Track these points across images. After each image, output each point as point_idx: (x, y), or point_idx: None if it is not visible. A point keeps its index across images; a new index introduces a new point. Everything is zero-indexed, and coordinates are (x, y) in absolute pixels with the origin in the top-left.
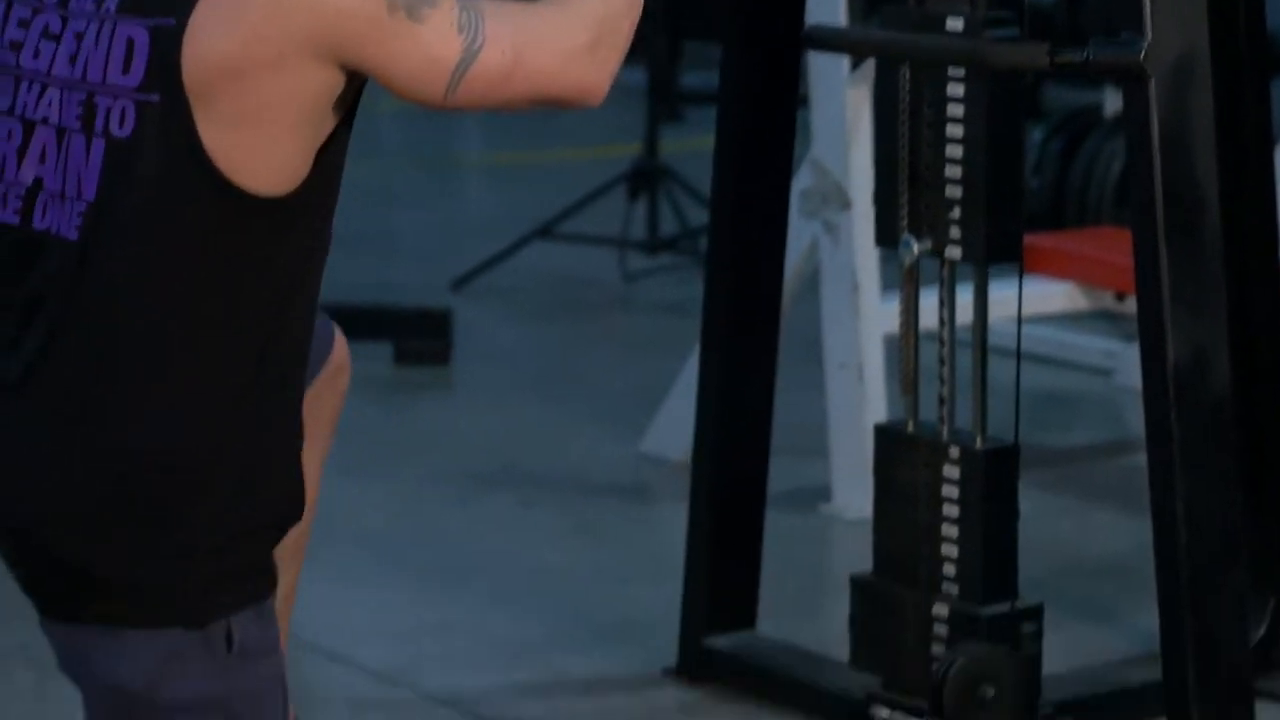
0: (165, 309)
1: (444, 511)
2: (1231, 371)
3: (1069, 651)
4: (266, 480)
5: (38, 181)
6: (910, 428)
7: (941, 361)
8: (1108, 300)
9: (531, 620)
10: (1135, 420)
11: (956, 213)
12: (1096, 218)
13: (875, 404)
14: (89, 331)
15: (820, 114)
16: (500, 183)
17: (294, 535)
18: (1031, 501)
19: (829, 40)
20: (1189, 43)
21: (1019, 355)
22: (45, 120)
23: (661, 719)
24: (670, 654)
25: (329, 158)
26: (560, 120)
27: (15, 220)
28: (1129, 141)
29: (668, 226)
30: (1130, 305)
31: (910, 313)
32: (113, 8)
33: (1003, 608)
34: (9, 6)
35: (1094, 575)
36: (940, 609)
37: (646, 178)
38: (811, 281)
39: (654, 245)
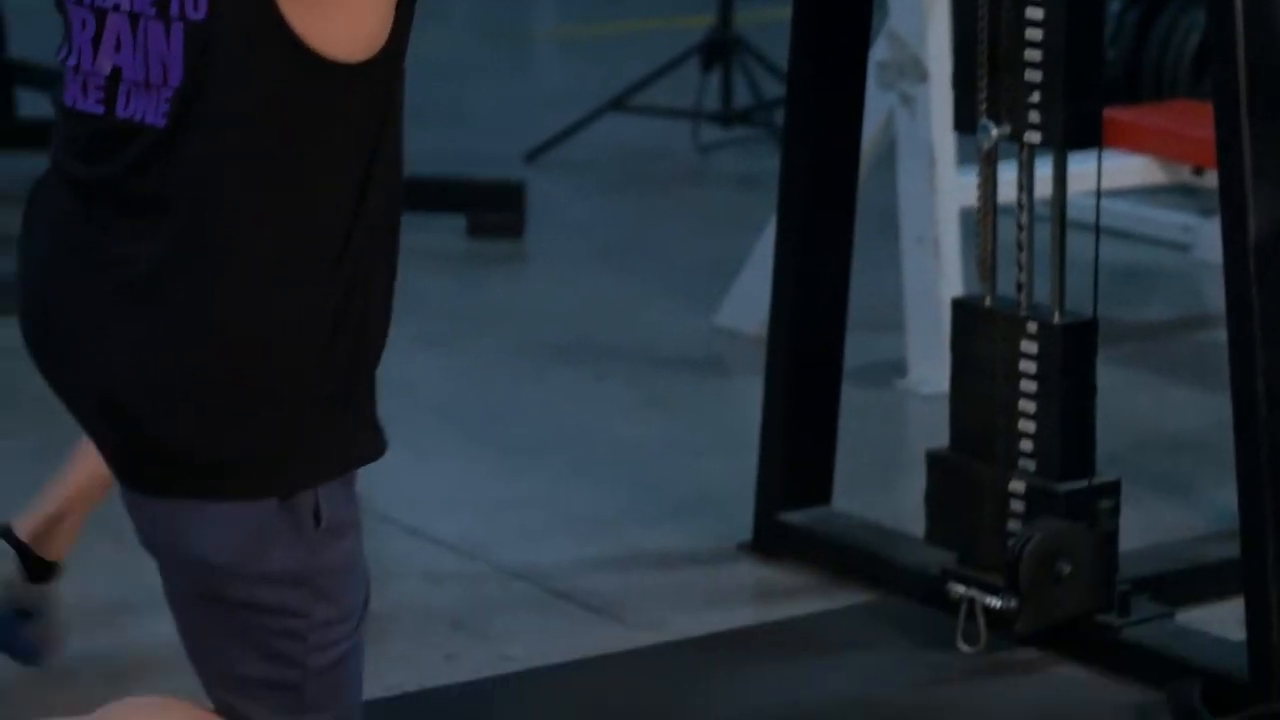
0: (253, 184)
1: (518, 385)
2: None
3: (1146, 528)
4: (352, 351)
5: (116, 70)
6: (988, 302)
7: (1020, 239)
8: (1185, 174)
9: (606, 494)
10: (1212, 295)
11: (1035, 97)
12: (1173, 90)
13: (951, 278)
14: (178, 211)
15: None
16: (573, 55)
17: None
18: (1108, 377)
19: None
20: None
21: (1098, 230)
22: (117, 8)
23: (736, 594)
24: (745, 529)
25: (403, 19)
26: None
27: (100, 110)
28: (1212, 12)
29: (741, 98)
30: (1208, 179)
31: (988, 198)
32: None
33: (1080, 484)
34: None
35: (1171, 451)
36: (1017, 485)
37: (720, 49)
38: (887, 154)
39: (728, 117)
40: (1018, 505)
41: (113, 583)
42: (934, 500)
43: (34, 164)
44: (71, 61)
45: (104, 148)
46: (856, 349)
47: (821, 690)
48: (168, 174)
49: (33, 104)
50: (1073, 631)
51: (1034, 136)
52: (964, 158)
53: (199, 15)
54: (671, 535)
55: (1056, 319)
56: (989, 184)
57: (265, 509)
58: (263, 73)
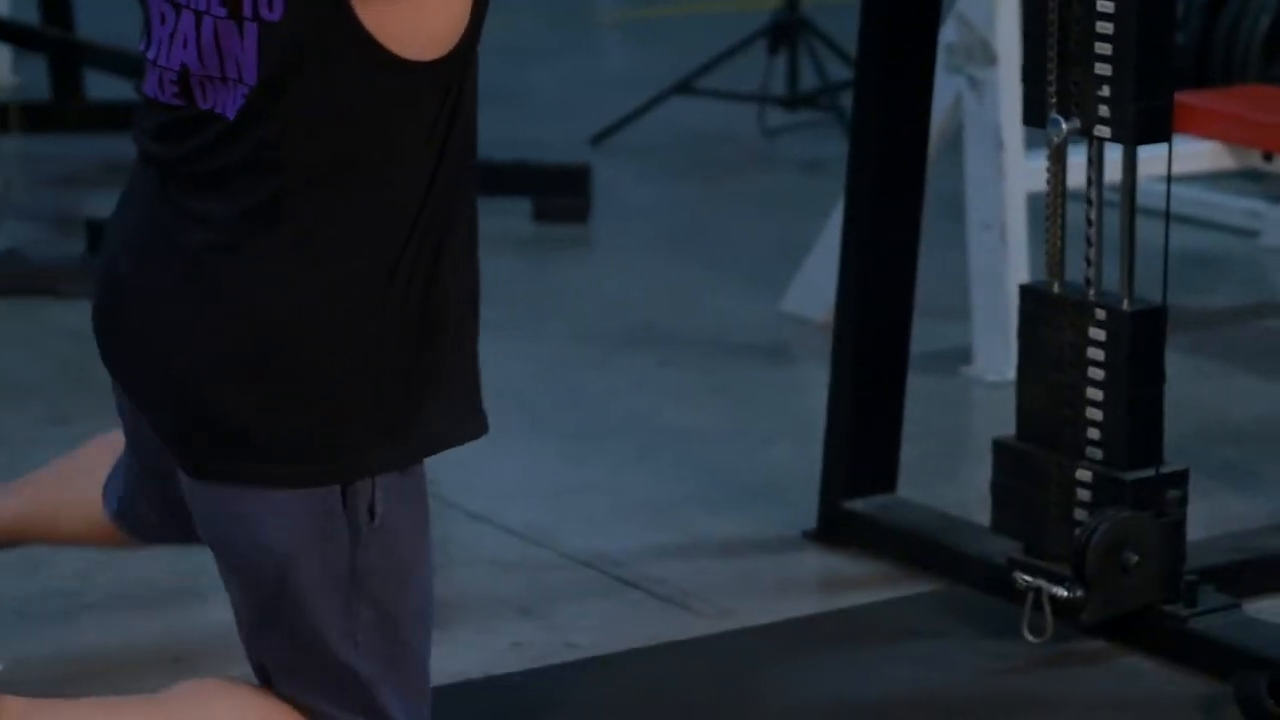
0: (318, 176)
1: (583, 370)
2: None
3: (1213, 517)
4: (421, 342)
5: (184, 66)
6: (1056, 289)
7: (1089, 235)
8: (1255, 159)
9: (671, 481)
10: None
11: (1105, 91)
12: (1243, 74)
13: (1017, 265)
14: (243, 197)
15: None
16: (638, 38)
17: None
18: (1175, 364)
19: None
20: None
21: (1168, 216)
22: (188, 5)
23: (801, 582)
24: (810, 516)
25: (477, 17)
26: None
27: (180, 103)
28: None
29: (808, 81)
30: (1277, 165)
31: (1058, 192)
32: None
33: (1147, 472)
34: None
35: (1238, 440)
36: (1083, 473)
37: (787, 31)
38: (954, 139)
39: (794, 100)
40: (1084, 494)
41: (177, 567)
42: (1000, 489)
43: (104, 146)
44: (151, 54)
45: (179, 133)
46: (921, 335)
47: (885, 679)
48: (233, 161)
49: (102, 86)
50: (1139, 622)
51: (1104, 131)
52: (1032, 142)
53: (274, 16)
54: (737, 522)
55: (1125, 306)
56: (1058, 179)
57: (322, 499)
58: (336, 73)
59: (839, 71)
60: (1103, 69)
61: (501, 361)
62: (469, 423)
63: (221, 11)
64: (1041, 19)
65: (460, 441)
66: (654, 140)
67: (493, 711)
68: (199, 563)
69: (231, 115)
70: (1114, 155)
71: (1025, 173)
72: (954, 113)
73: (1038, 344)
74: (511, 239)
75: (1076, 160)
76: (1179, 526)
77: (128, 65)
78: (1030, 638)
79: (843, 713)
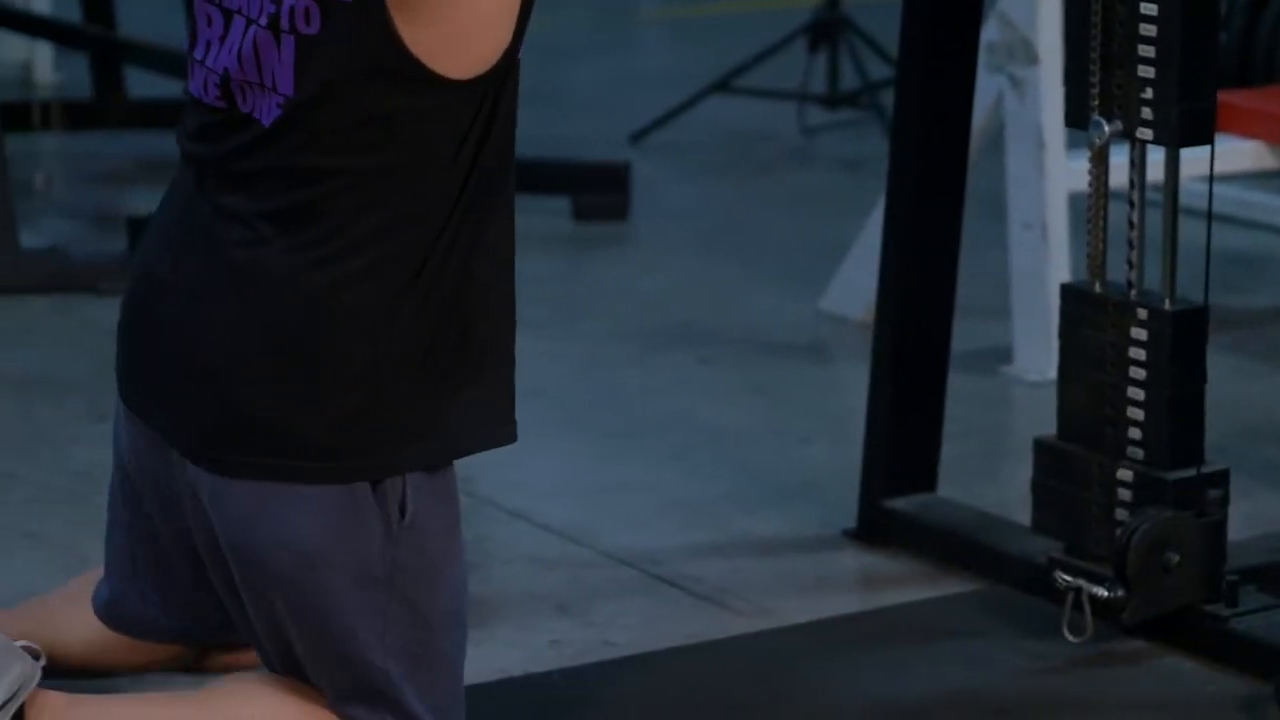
0: (350, 179)
1: (621, 369)
2: None
3: (1254, 517)
4: (445, 341)
5: (227, 70)
6: (1097, 288)
7: (1130, 236)
8: None
9: (709, 480)
10: None
11: (1148, 93)
12: None
13: (1058, 264)
14: (277, 197)
15: None
16: (678, 36)
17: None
18: (1216, 364)
19: None
20: None
21: (1210, 216)
22: (240, 11)
23: (840, 581)
24: (849, 516)
25: (519, 36)
26: None
27: (223, 105)
28: None
29: (848, 80)
30: None
31: (1100, 194)
32: None
33: (1188, 472)
34: None
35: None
36: (1125, 473)
37: (827, 29)
38: (995, 138)
39: (834, 99)
40: (1125, 494)
41: None
42: (1041, 488)
43: (145, 143)
44: (199, 54)
45: (218, 134)
46: (961, 335)
47: (924, 678)
48: (267, 164)
49: (143, 84)
50: (1180, 622)
51: (1146, 133)
52: (1073, 142)
53: (311, 30)
54: (775, 521)
55: (1167, 306)
56: (1101, 180)
57: (351, 495)
58: (373, 87)
59: (879, 70)
60: (1145, 71)
61: (539, 360)
62: (499, 429)
63: (263, 21)
64: (1084, 21)
65: (488, 447)
66: (694, 138)
67: (531, 709)
68: None
69: (267, 123)
70: (1156, 156)
71: (1066, 172)
72: (995, 112)
73: (1079, 344)
74: (550, 237)
75: (1117, 160)
76: (1220, 526)
77: (169, 63)
78: (1070, 638)
79: (881, 712)
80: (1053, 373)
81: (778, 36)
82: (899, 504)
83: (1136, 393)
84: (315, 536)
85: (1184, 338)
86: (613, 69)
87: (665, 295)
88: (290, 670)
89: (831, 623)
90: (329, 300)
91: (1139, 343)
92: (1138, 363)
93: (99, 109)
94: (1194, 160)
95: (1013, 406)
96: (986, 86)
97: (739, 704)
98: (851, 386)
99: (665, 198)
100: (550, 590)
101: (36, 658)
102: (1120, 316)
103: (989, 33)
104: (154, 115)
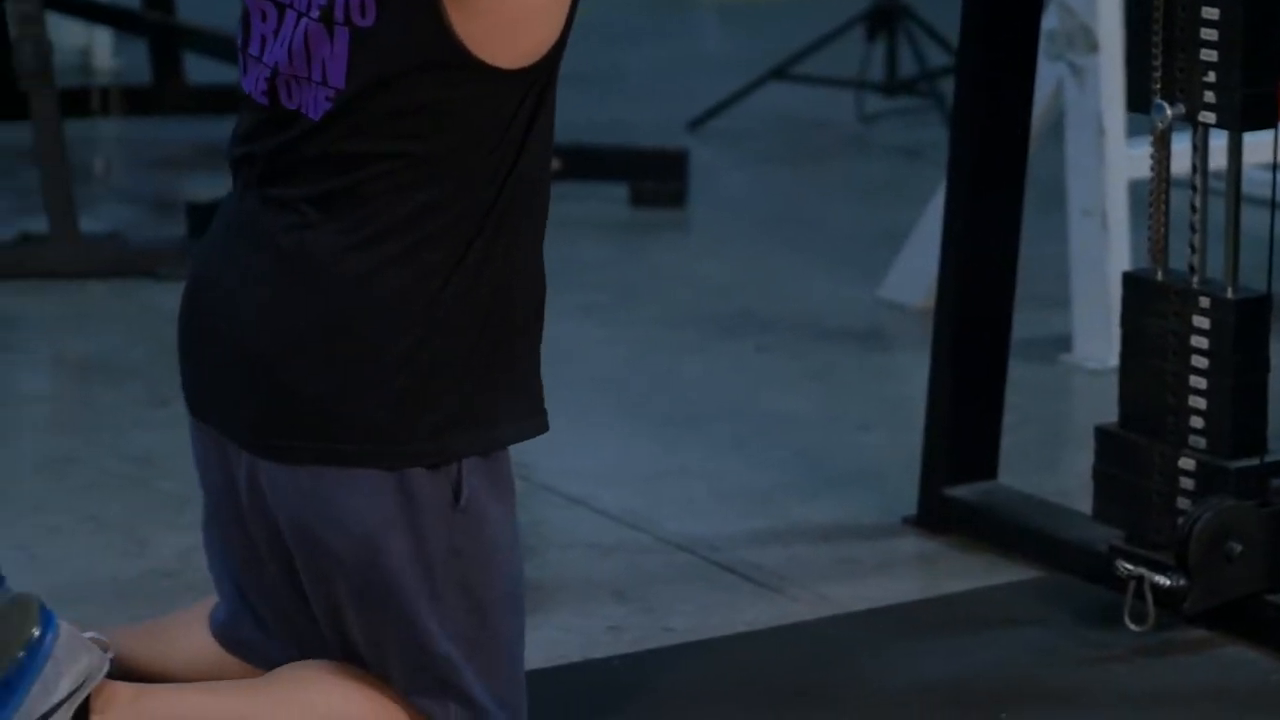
0: (395, 166)
1: (679, 355)
2: None
3: None
4: (487, 330)
5: (276, 65)
6: (1160, 276)
7: (1193, 221)
8: None
9: (769, 467)
10: None
11: (1211, 77)
12: None
13: (1118, 252)
14: (323, 184)
15: None
16: (735, 22)
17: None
18: (1277, 354)
19: None
20: None
21: (1274, 203)
22: (291, 4)
23: (900, 568)
24: (909, 503)
25: (568, 26)
26: None
27: (265, 101)
28: None
29: (906, 67)
30: None
31: (1162, 178)
32: None
33: (1251, 461)
34: None
35: None
36: (1187, 462)
37: (885, 17)
38: (1055, 126)
39: (891, 86)
40: (1187, 483)
41: None
42: (1102, 477)
43: (203, 129)
44: (254, 50)
45: (266, 132)
46: (1021, 323)
47: (985, 666)
48: (313, 154)
49: (201, 70)
50: (1242, 611)
51: (1209, 117)
52: (1134, 129)
53: (366, 22)
54: (834, 508)
55: (1230, 294)
56: (1163, 165)
57: (405, 479)
58: (424, 79)
59: (937, 58)
60: (1208, 55)
61: (597, 346)
62: (533, 419)
63: (315, 14)
64: (1146, 5)
65: (528, 436)
66: (751, 125)
67: (589, 695)
68: None
69: (316, 117)
70: (1217, 142)
71: (1126, 159)
72: (1055, 100)
73: (1141, 332)
74: (607, 223)
75: (1179, 148)
76: None
77: (228, 49)
78: (1132, 626)
79: (941, 700)
80: (1112, 361)
81: (835, 23)
82: (959, 492)
83: (1199, 381)
84: (371, 520)
85: (1247, 326)
86: (670, 55)
87: (723, 282)
88: (351, 653)
89: (891, 610)
90: (370, 283)
91: (1201, 331)
92: (1200, 351)
93: (158, 94)
94: (1256, 146)
95: (1073, 394)
96: (1046, 74)
97: (798, 691)
98: (910, 374)
99: (723, 184)
100: (608, 576)
101: (105, 650)
102: (1182, 305)
103: (1049, 20)
104: (212, 101)
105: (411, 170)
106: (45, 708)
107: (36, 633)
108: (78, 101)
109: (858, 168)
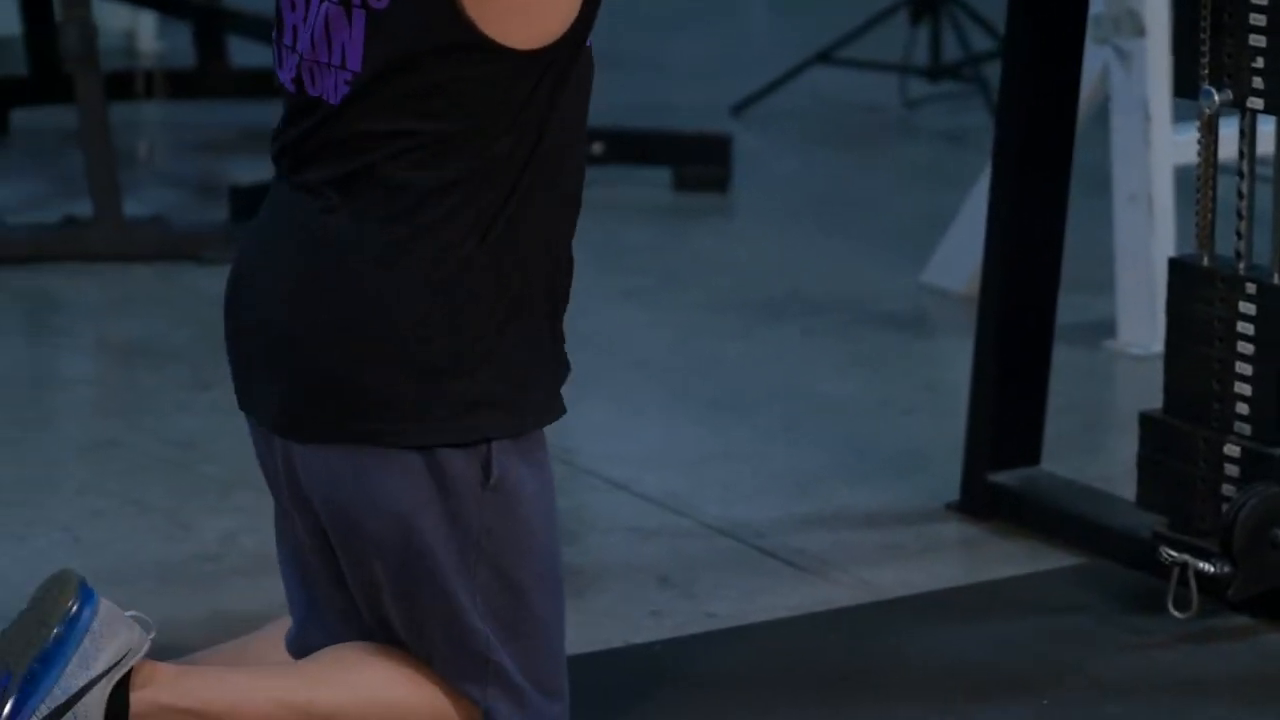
0: (412, 148)
1: (723, 340)
2: None
3: None
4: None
5: (302, 53)
6: (1205, 262)
7: (1240, 207)
8: None
9: (812, 452)
10: None
11: (1259, 61)
12: None
13: (1164, 238)
14: (344, 165)
15: None
16: (780, 6)
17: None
18: None
19: None
20: None
21: None
22: None
23: (944, 554)
24: (952, 489)
25: (589, 8)
26: None
27: (294, 90)
28: None
29: (950, 52)
30: None
31: (1210, 164)
32: None
33: None
34: None
35: None
36: (1232, 448)
37: (930, 2)
38: (1100, 110)
39: (936, 71)
40: (1232, 469)
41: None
42: (1147, 463)
43: (247, 112)
44: (287, 40)
45: (295, 119)
46: (1065, 308)
47: (1029, 652)
48: (333, 138)
49: (245, 53)
50: None
51: (1257, 102)
52: (1179, 114)
53: (381, 5)
54: (878, 494)
55: (1276, 280)
56: (1210, 150)
57: (436, 458)
58: (439, 61)
59: (982, 42)
60: (1257, 40)
61: (641, 330)
62: (554, 402)
63: None
64: None
65: (555, 417)
66: (795, 109)
67: (632, 680)
68: None
69: (336, 101)
70: (1265, 127)
71: (1172, 145)
72: (1100, 84)
73: (1186, 317)
74: (651, 207)
75: (1225, 133)
76: None
77: (271, 32)
78: (1175, 613)
79: (984, 685)
80: (1157, 346)
81: (880, 8)
82: (1003, 477)
83: (1244, 367)
84: (403, 499)
85: None
86: (715, 39)
87: (767, 266)
88: (393, 643)
89: (933, 596)
90: (391, 263)
91: (1247, 317)
92: (1246, 337)
93: (202, 78)
94: None
95: (1117, 380)
96: (1092, 58)
97: (840, 677)
98: (954, 359)
99: (767, 169)
100: (651, 561)
101: (148, 630)
102: (1229, 291)
103: (1095, 4)
104: (256, 84)
105: (429, 151)
106: (83, 681)
107: (75, 607)
108: (122, 85)
109: (902, 152)
